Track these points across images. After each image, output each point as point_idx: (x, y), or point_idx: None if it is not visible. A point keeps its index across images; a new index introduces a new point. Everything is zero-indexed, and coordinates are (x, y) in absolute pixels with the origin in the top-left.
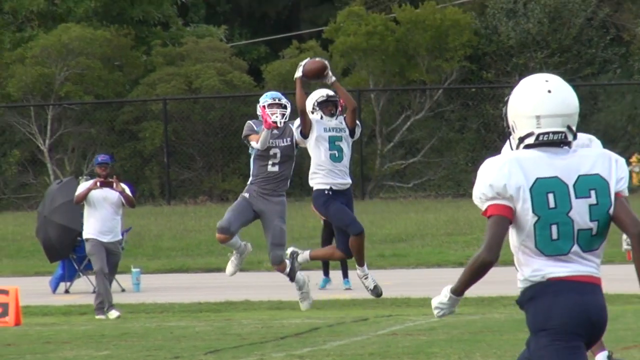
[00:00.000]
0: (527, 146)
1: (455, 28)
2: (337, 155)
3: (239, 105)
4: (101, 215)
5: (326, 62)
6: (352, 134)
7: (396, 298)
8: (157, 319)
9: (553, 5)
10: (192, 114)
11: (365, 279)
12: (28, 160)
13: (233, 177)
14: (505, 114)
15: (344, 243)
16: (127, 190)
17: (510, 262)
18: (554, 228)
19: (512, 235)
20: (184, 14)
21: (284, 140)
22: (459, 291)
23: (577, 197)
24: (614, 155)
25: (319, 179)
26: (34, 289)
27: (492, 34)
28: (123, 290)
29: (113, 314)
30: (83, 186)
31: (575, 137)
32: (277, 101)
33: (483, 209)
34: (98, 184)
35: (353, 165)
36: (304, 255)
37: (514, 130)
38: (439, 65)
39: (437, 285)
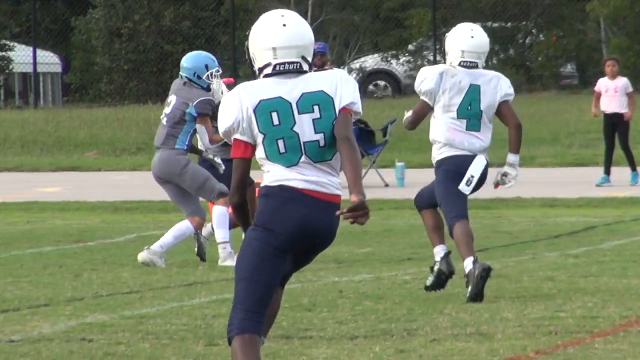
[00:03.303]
0: (266, 76)
1: None
2: None
3: None
4: None
5: None
6: None
7: None
8: None
9: None
10: (464, 1)
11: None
12: None
13: (505, 67)
14: (247, 47)
15: None
16: None
17: None
18: (281, 143)
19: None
20: None
21: None
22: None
23: (300, 113)
24: (344, 75)
25: None
26: None
27: None
28: (387, 186)
29: None
30: None
31: (310, 68)
32: (220, 72)
33: (231, 139)
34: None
35: None
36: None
37: (254, 62)
38: None
39: None
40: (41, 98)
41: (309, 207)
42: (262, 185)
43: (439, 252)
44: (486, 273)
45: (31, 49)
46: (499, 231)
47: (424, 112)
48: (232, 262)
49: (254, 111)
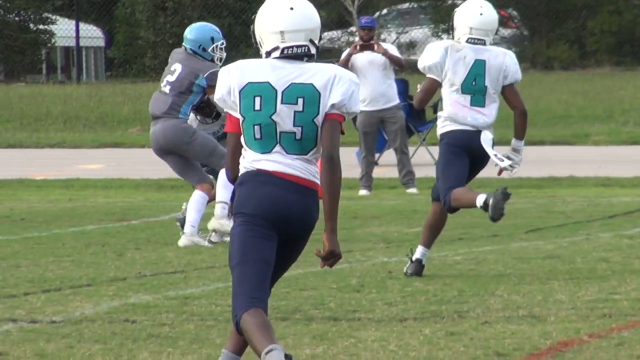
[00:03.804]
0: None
1: None
2: None
3: None
4: (370, 81)
5: None
6: None
7: None
8: None
9: None
10: None
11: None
12: (335, 22)
13: (559, 43)
14: (253, 30)
15: None
16: (393, 51)
17: None
18: (257, 128)
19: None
20: None
21: None
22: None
23: (283, 103)
24: (342, 72)
25: None
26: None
27: None
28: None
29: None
30: (344, 54)
31: (318, 50)
32: (224, 45)
33: (226, 114)
34: (357, 47)
35: None
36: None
37: (261, 46)
38: None
39: None
40: (83, 72)
41: (283, 189)
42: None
43: (418, 252)
44: (506, 194)
45: (73, 22)
46: (552, 211)
47: (432, 88)
48: (227, 221)
49: (240, 92)
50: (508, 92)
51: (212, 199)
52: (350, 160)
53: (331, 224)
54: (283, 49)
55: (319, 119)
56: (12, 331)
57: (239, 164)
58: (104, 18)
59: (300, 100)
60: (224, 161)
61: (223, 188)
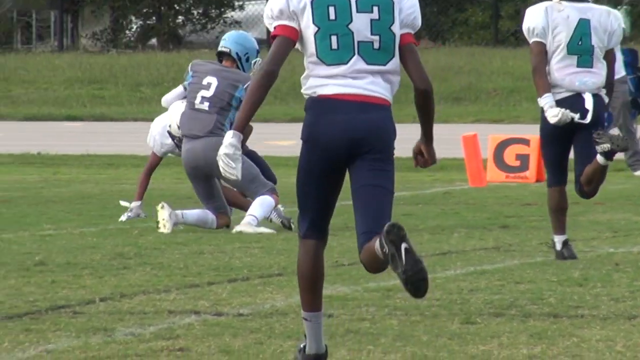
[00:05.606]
0: None
1: None
2: None
3: None
4: None
5: None
6: None
7: None
8: None
9: None
10: None
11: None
12: None
13: None
14: None
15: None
16: None
17: None
18: (334, 38)
19: (304, 54)
20: None
21: None
22: (240, 126)
23: (358, 12)
24: None
25: None
26: None
27: None
28: None
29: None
30: None
31: None
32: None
33: (272, 28)
34: None
35: None
36: None
37: None
38: None
39: None
40: None
41: (344, 112)
42: (304, 96)
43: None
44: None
45: None
46: None
47: (542, 51)
48: (251, 229)
49: (311, 3)
50: (606, 56)
51: (220, 226)
52: None
53: (429, 137)
54: None
55: (395, 28)
56: (195, 324)
57: (279, 64)
58: None
59: (375, 9)
60: (266, 190)
61: (259, 204)
